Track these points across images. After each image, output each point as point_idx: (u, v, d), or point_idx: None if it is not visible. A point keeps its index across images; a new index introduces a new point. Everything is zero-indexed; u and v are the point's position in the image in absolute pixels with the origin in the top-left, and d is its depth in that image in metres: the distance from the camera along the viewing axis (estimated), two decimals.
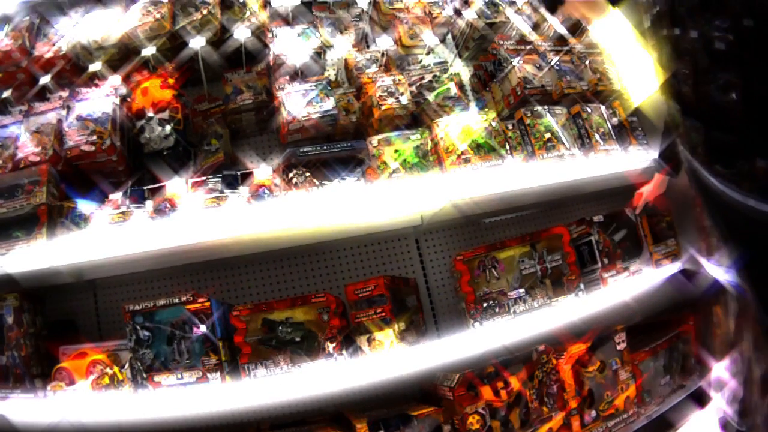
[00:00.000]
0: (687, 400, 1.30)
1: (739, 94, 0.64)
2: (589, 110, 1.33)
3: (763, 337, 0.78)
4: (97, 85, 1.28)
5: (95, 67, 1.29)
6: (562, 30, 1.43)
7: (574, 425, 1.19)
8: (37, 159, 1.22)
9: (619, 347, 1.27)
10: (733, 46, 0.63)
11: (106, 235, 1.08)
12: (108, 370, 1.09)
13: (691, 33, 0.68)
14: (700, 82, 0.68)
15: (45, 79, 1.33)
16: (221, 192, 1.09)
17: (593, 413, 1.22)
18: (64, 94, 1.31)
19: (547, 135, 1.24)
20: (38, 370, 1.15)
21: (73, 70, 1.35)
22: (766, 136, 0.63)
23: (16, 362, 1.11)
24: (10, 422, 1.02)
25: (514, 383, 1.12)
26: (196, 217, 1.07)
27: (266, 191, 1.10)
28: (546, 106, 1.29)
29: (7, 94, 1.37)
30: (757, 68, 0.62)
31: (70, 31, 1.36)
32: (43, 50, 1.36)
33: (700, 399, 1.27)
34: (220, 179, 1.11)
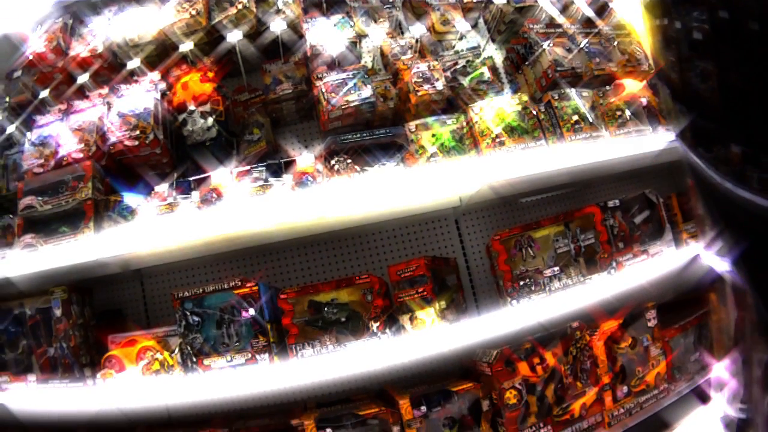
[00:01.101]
0: (690, 395, 1.31)
1: (715, 82, 0.67)
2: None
3: (762, 331, 0.79)
4: (136, 82, 1.31)
5: (134, 64, 1.32)
6: (590, 12, 1.44)
7: (607, 400, 1.22)
8: (80, 156, 1.26)
9: (650, 324, 1.30)
10: (710, 37, 0.66)
11: (155, 226, 1.11)
12: (158, 355, 1.14)
13: (675, 23, 0.71)
14: (683, 70, 0.71)
15: (83, 78, 1.37)
16: (266, 180, 1.13)
17: (625, 389, 1.25)
18: (103, 91, 1.35)
19: (575, 117, 1.26)
20: (87, 359, 1.20)
21: (111, 68, 1.38)
22: (740, 124, 0.66)
23: (64, 353, 1.16)
24: (60, 412, 1.07)
25: (550, 359, 1.15)
26: (243, 205, 1.10)
27: (309, 178, 1.13)
28: (574, 89, 1.30)
29: (44, 94, 1.41)
30: (731, 59, 0.65)
31: (105, 30, 1.39)
32: (79, 50, 1.40)
33: (702, 396, 1.29)
34: (264, 168, 1.15)
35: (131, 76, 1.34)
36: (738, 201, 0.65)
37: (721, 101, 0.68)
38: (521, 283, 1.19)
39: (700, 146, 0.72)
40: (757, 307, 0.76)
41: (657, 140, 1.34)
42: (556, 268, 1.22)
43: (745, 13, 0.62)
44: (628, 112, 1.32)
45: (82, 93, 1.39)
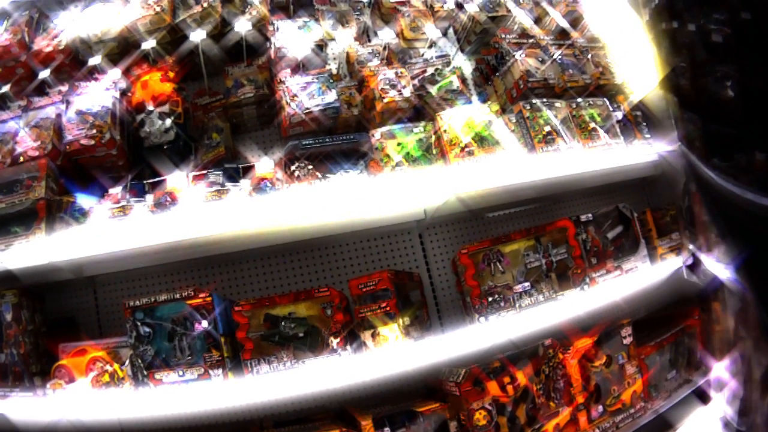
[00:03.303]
0: (690, 396, 1.28)
1: (736, 86, 0.65)
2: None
3: (763, 336, 0.77)
4: (96, 79, 1.27)
5: (95, 61, 1.28)
6: (564, 24, 1.43)
7: (581, 420, 1.17)
8: (36, 154, 1.20)
9: (625, 341, 1.26)
10: (731, 39, 0.64)
11: (106, 230, 1.06)
12: (108, 367, 1.07)
13: (689, 26, 0.70)
14: (698, 75, 0.70)
15: (44, 74, 1.32)
16: (222, 185, 1.08)
17: (600, 408, 1.21)
18: (64, 88, 1.30)
19: (547, 128, 1.24)
20: (37, 367, 1.13)
21: (73, 65, 1.34)
22: (765, 129, 0.63)
23: (14, 360, 1.10)
24: (10, 421, 1.00)
25: (521, 378, 1.11)
26: (197, 210, 1.06)
27: (268, 184, 1.09)
28: (545, 100, 1.29)
29: (6, 89, 1.36)
30: (754, 61, 0.63)
31: (70, 26, 1.35)
32: (43, 44, 1.35)
33: (702, 396, 1.27)
34: (221, 172, 1.10)
35: (91, 74, 1.29)
36: (755, 209, 0.62)
37: (743, 106, 0.65)
38: (490, 299, 1.15)
39: (715, 155, 0.69)
40: (760, 313, 0.74)
41: (632, 154, 1.32)
42: (527, 284, 1.18)
43: None
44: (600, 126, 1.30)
45: (43, 89, 1.35)
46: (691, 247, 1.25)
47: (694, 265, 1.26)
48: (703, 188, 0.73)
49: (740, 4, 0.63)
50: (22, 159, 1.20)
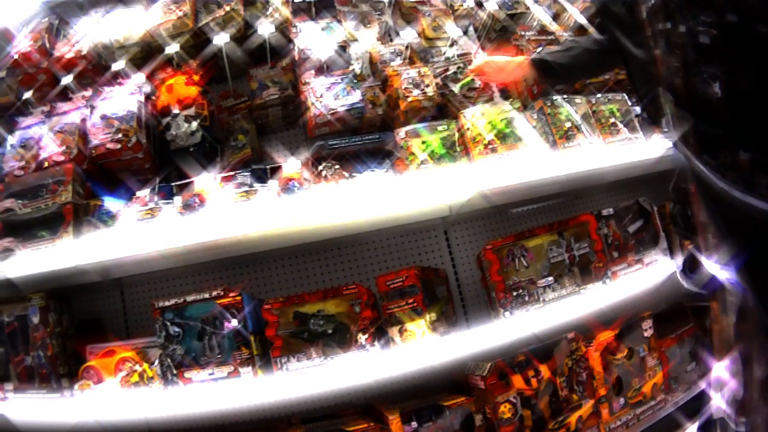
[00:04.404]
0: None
1: (722, 87, 0.65)
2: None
3: (764, 337, 0.77)
4: (120, 84, 1.28)
5: (118, 66, 1.30)
6: (582, 20, 1.44)
7: (603, 413, 1.19)
8: (62, 158, 1.22)
9: (646, 334, 1.27)
10: (717, 41, 0.65)
11: (135, 232, 1.08)
12: (137, 367, 1.09)
13: (680, 27, 0.70)
14: (688, 75, 0.70)
15: (67, 79, 1.34)
16: (251, 186, 1.10)
17: (621, 401, 1.22)
18: (87, 93, 1.31)
19: (568, 124, 1.25)
20: (65, 369, 1.15)
21: (95, 70, 1.35)
22: (749, 130, 0.65)
23: (41, 362, 1.11)
24: (36, 423, 1.02)
25: (545, 371, 1.12)
26: (226, 211, 1.07)
27: (296, 184, 1.10)
28: (565, 96, 1.30)
29: (28, 95, 1.37)
30: (739, 63, 0.64)
31: (91, 31, 1.37)
32: (64, 51, 1.37)
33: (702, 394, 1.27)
34: (249, 173, 1.12)
35: (115, 78, 1.31)
36: (744, 208, 0.64)
37: (728, 107, 0.66)
38: (514, 293, 1.16)
39: (705, 153, 0.70)
40: (760, 315, 0.74)
41: (652, 148, 1.33)
42: (551, 278, 1.19)
43: (754, 16, 0.61)
44: (620, 121, 1.31)
45: (65, 95, 1.36)
46: (690, 247, 1.25)
47: (689, 269, 1.26)
48: (698, 184, 0.73)
49: (727, 6, 0.63)
50: (46, 164, 1.22)
